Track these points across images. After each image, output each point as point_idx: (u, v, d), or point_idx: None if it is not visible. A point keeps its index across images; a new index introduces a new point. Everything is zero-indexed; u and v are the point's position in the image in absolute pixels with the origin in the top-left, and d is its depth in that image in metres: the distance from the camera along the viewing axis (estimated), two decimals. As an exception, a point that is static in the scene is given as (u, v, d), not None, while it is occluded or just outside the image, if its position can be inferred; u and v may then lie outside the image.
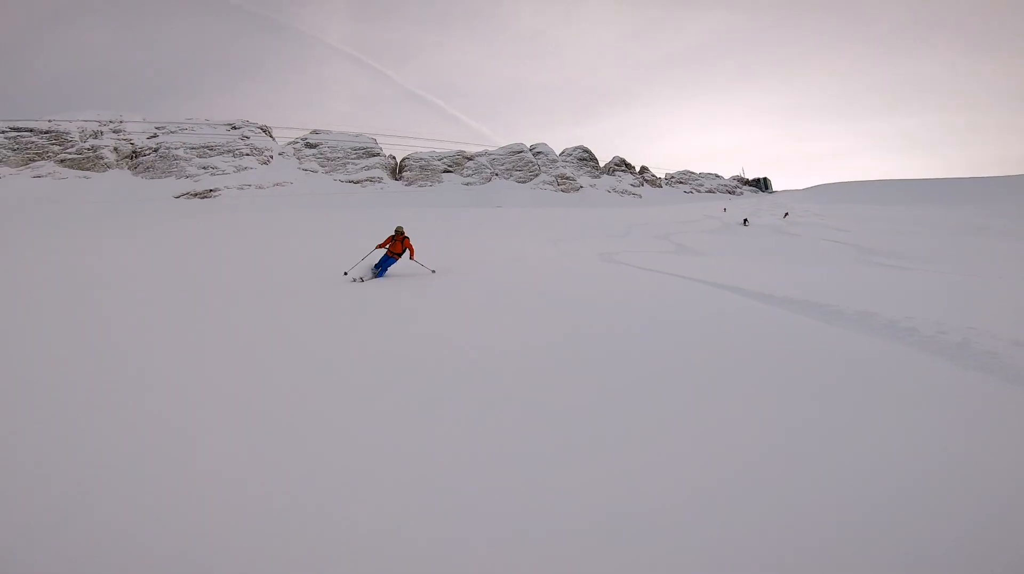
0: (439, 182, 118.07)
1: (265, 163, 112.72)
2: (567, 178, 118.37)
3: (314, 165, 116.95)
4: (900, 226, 32.32)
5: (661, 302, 7.74)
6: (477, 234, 25.38)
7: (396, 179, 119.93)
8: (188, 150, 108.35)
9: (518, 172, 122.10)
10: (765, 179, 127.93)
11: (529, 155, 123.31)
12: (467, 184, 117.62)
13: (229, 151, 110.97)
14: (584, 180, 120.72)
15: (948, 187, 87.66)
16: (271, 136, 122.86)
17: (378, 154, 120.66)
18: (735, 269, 12.36)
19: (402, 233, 11.12)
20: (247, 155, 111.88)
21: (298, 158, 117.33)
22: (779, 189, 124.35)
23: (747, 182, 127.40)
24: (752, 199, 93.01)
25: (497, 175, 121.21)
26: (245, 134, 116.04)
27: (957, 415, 3.45)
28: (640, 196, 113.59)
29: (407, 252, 11.10)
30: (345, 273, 10.29)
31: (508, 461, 2.94)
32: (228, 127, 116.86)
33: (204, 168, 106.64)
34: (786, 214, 40.91)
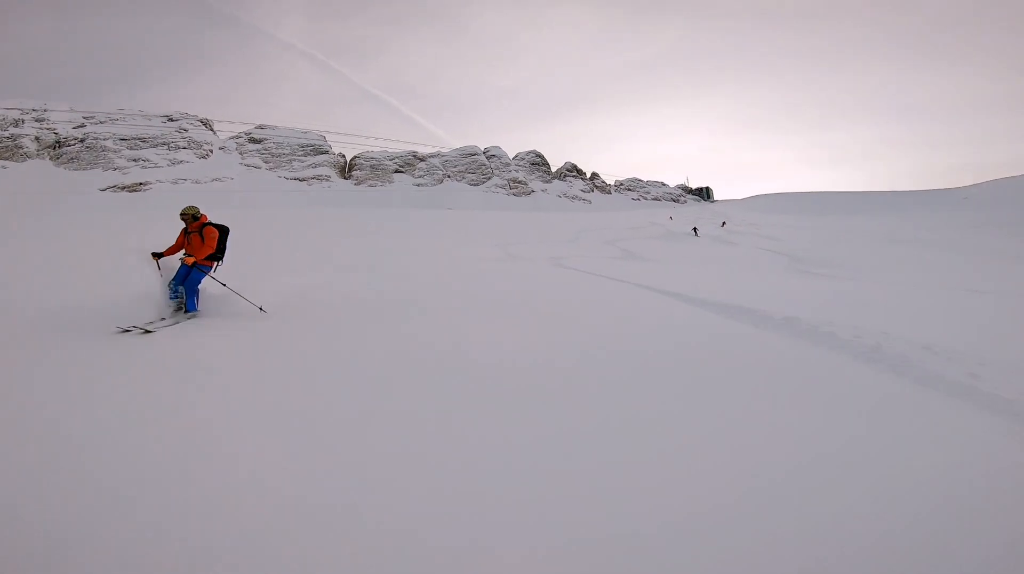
0: (390, 182, 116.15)
1: (204, 157, 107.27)
2: (519, 182, 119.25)
3: (257, 161, 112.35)
4: (827, 236, 34.50)
5: (606, 306, 7.87)
6: (426, 237, 25.08)
7: (345, 178, 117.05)
8: (118, 141, 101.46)
9: (471, 175, 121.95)
10: (707, 188, 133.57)
11: (482, 158, 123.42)
12: (418, 185, 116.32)
13: (164, 144, 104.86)
14: (536, 184, 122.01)
15: (869, 199, 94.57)
16: (212, 130, 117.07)
17: (327, 152, 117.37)
18: (677, 276, 12.77)
19: (194, 217, 6.46)
20: (184, 148, 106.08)
21: (240, 153, 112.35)
22: (720, 198, 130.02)
23: (691, 191, 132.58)
24: (695, 208, 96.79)
25: (449, 177, 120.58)
26: (183, 127, 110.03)
27: (862, 412, 3.65)
28: (590, 202, 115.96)
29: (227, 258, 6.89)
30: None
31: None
32: (164, 119, 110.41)
33: (135, 161, 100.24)
34: (724, 223, 42.09)
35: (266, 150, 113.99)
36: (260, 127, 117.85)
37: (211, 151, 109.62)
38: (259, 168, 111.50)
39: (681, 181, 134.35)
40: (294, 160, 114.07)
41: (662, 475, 2.80)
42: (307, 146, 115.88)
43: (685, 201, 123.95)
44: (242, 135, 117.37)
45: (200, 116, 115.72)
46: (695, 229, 35.70)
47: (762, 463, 2.95)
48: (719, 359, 4.96)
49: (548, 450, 3.06)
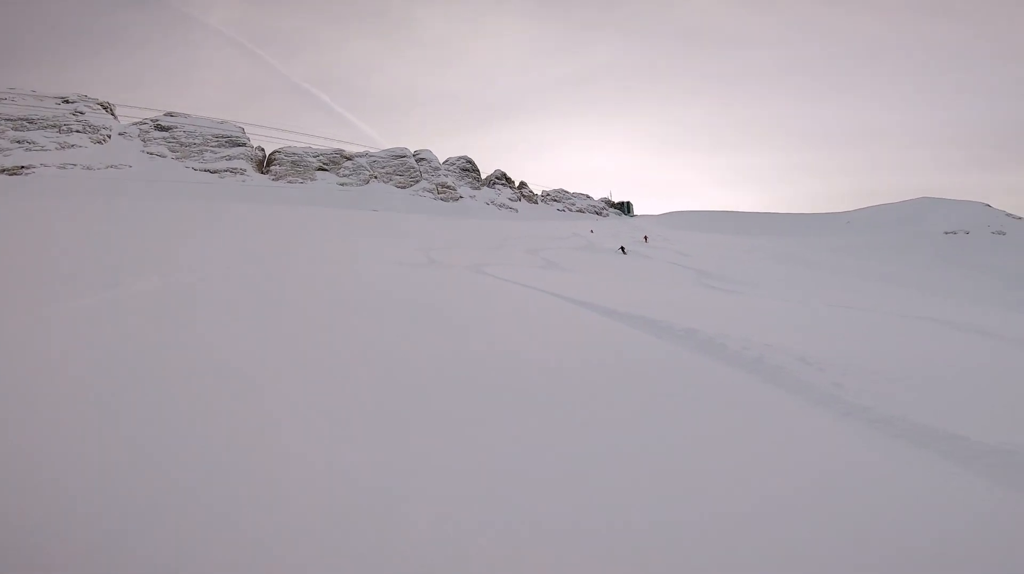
0: (312, 180, 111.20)
1: (100, 143, 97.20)
2: (448, 187, 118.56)
3: (163, 149, 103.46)
4: (732, 253, 37.30)
5: (519, 313, 7.97)
6: (345, 237, 24.22)
7: (262, 173, 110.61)
8: (2, 122, 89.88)
9: (399, 177, 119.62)
10: (628, 203, 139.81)
11: (412, 160, 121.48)
12: (343, 185, 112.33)
13: (54, 126, 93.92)
14: (464, 191, 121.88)
15: (770, 220, 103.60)
16: (113, 114, 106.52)
17: (244, 144, 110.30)
18: (592, 286, 13.22)
19: None
20: (77, 132, 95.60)
21: (143, 140, 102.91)
22: (639, 213, 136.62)
23: (613, 205, 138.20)
24: (615, 221, 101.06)
25: (376, 178, 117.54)
26: (80, 109, 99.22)
27: (739, 417, 3.95)
28: (516, 211, 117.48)
29: None
30: None
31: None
32: (59, 100, 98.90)
33: (18, 143, 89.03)
34: (645, 237, 43.21)
35: (174, 139, 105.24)
36: (170, 114, 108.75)
37: (108, 136, 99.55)
38: (164, 157, 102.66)
39: (605, 194, 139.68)
40: (206, 151, 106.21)
41: (550, 473, 2.85)
42: (222, 137, 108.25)
43: (607, 214, 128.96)
44: (148, 122, 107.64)
45: (101, 100, 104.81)
46: (623, 248, 32.32)
47: (643, 461, 3.12)
48: (618, 367, 5.20)
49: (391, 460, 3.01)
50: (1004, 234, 78.66)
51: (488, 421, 3.72)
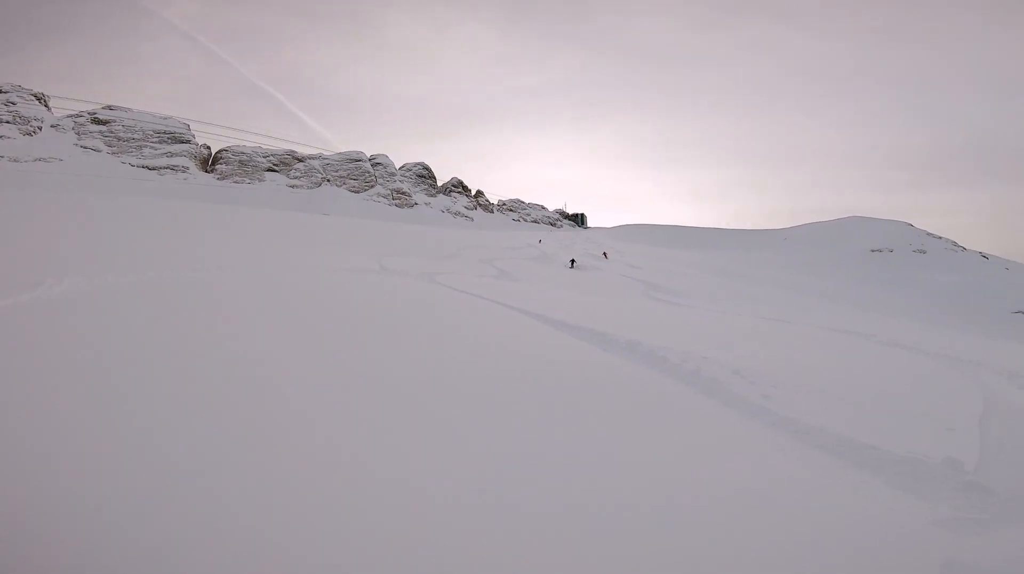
0: (260, 180, 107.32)
1: (30, 135, 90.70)
2: (403, 193, 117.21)
3: (98, 143, 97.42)
4: (679, 267, 38.64)
5: (468, 324, 7.94)
6: (290, 239, 23.46)
7: (207, 171, 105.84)
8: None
9: (353, 181, 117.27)
10: (582, 215, 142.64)
11: (367, 165, 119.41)
12: (293, 187, 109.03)
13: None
14: (420, 197, 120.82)
15: (716, 236, 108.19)
16: (46, 105, 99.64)
17: (188, 141, 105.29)
18: (543, 297, 13.35)
19: None
20: (7, 123, 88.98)
21: (78, 133, 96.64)
22: (593, 225, 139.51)
23: (568, 216, 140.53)
24: (570, 233, 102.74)
25: (329, 181, 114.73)
26: (12, 99, 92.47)
27: (675, 428, 4.09)
28: (472, 219, 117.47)
29: None
30: None
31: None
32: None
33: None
34: (605, 253, 38.54)
35: (111, 133, 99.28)
36: (109, 108, 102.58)
37: (40, 128, 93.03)
38: (99, 151, 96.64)
39: (560, 206, 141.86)
40: (145, 146, 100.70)
41: (484, 482, 2.85)
42: (164, 133, 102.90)
43: (562, 226, 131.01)
44: (84, 114, 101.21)
45: (35, 91, 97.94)
46: (572, 261, 30.05)
47: (584, 468, 3.18)
48: (566, 379, 5.27)
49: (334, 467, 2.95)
50: (925, 252, 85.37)
51: (432, 431, 3.68)
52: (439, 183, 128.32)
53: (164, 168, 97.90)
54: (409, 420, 3.90)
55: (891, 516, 2.82)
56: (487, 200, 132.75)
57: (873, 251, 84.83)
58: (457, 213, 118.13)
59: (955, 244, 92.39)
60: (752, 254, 76.45)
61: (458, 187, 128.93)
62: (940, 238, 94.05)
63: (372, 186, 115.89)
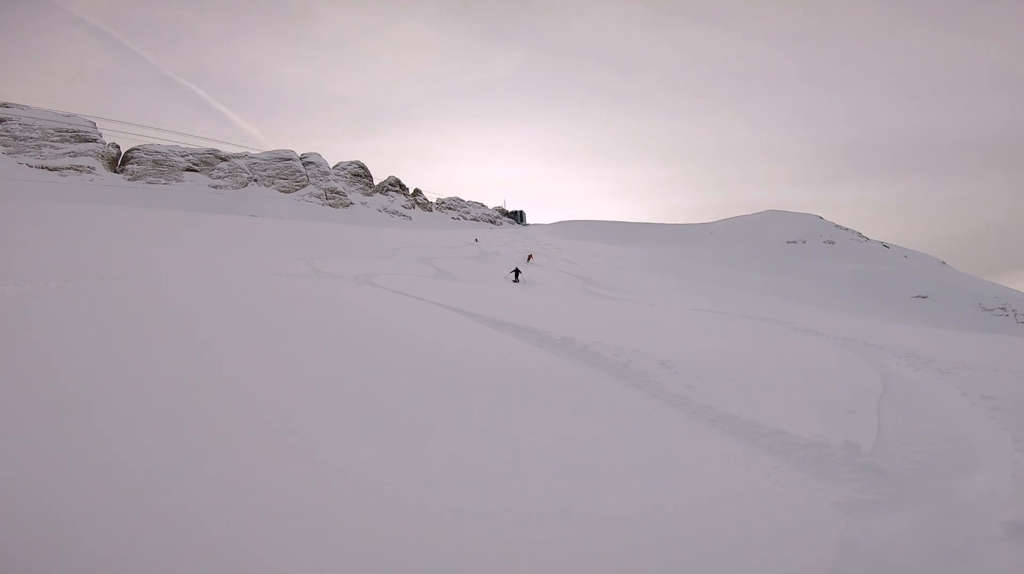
0: (178, 181, 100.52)
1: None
2: (338, 193, 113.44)
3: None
4: (615, 261, 39.81)
5: (406, 327, 7.76)
6: (212, 243, 22.08)
7: (116, 172, 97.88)
8: None
9: (283, 180, 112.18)
10: (521, 212, 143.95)
11: (298, 164, 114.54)
12: (216, 187, 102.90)
13: None
14: (356, 197, 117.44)
15: (644, 230, 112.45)
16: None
17: (94, 140, 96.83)
18: (481, 296, 13.32)
19: None
20: None
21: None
22: (531, 222, 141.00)
23: (507, 214, 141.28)
24: (509, 230, 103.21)
25: (256, 181, 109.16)
26: None
27: (602, 419, 4.18)
28: (410, 218, 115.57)
29: None
30: None
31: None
32: None
33: None
34: (530, 256, 33.96)
35: (7, 132, 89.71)
36: (4, 105, 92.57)
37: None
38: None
39: (499, 203, 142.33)
40: (44, 146, 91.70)
41: (429, 473, 2.78)
42: (66, 131, 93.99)
43: (501, 223, 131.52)
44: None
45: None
46: (516, 272, 22.69)
47: (515, 456, 3.20)
48: (502, 376, 5.26)
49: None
50: (834, 243, 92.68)
51: (376, 432, 3.54)
52: (376, 182, 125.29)
53: (67, 169, 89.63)
54: (349, 423, 3.74)
55: (795, 499, 2.99)
56: (425, 199, 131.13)
57: (788, 242, 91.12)
58: (395, 212, 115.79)
59: (860, 235, 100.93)
60: (681, 248, 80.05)
61: (395, 186, 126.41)
62: (847, 229, 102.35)
63: (304, 186, 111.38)
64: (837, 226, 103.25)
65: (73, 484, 2.68)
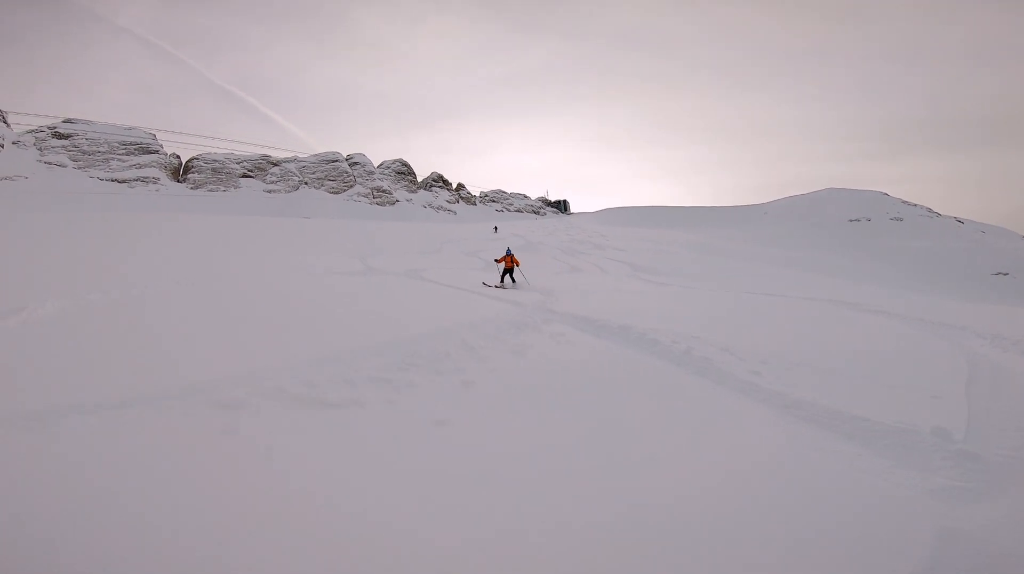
0: (235, 187, 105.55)
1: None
2: (383, 191, 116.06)
3: (62, 158, 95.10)
4: (660, 246, 38.82)
5: (461, 321, 7.90)
6: (272, 245, 23.12)
7: (179, 181, 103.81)
8: None
9: (331, 182, 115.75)
10: (565, 201, 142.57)
11: (345, 165, 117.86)
12: (270, 192, 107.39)
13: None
14: (401, 194, 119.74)
15: (693, 214, 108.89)
16: (5, 122, 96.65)
17: (156, 151, 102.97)
18: (531, 287, 13.34)
19: None
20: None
21: (40, 149, 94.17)
22: (576, 211, 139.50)
23: (550, 203, 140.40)
24: (553, 220, 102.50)
25: (307, 184, 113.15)
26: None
27: (669, 407, 4.12)
28: (455, 212, 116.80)
29: None
30: None
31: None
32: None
33: None
34: (496, 227, 35.40)
35: (75, 147, 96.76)
36: (69, 121, 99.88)
37: (1, 146, 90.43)
38: (64, 167, 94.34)
39: (542, 194, 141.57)
40: (112, 159, 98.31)
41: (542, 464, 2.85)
42: (130, 144, 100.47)
43: (545, 213, 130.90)
44: (44, 129, 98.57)
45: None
46: (506, 272, 16.29)
47: (594, 444, 3.23)
48: (566, 366, 5.28)
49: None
50: (901, 220, 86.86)
51: (459, 421, 3.65)
52: (419, 179, 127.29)
53: (134, 180, 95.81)
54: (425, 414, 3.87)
55: (884, 487, 2.86)
56: (468, 193, 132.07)
57: (851, 221, 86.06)
58: (439, 207, 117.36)
59: (930, 210, 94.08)
60: (732, 230, 77.11)
61: (439, 182, 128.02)
62: (915, 205, 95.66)
63: (351, 186, 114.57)
64: (904, 202, 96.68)
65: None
